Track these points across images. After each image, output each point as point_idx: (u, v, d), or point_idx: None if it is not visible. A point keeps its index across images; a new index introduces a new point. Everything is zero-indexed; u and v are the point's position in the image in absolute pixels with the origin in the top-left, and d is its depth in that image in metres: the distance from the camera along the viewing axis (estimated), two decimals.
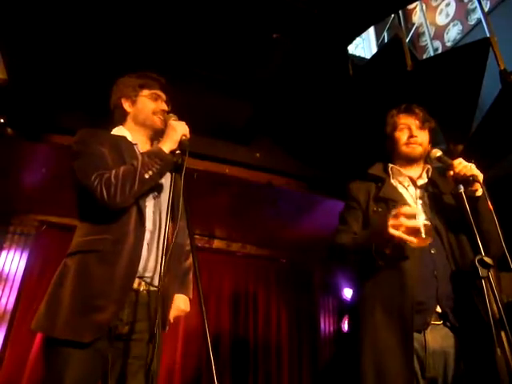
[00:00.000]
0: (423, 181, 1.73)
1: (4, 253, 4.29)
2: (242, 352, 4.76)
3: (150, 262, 1.53)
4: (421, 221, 1.35)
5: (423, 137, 1.76)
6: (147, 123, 1.73)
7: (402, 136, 1.77)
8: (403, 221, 1.36)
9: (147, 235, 1.54)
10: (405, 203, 1.55)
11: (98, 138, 1.62)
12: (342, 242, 1.62)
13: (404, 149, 1.75)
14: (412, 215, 1.36)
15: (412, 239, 1.35)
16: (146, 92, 1.75)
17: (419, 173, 1.75)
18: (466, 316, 1.45)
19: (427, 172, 1.74)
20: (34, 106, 3.14)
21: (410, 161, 1.76)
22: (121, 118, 1.76)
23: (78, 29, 2.75)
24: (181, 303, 1.74)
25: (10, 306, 4.15)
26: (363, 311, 1.54)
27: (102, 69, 2.93)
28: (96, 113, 3.30)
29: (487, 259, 1.35)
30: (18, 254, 4.34)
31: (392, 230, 1.36)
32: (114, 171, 1.50)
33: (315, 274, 5.41)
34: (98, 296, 1.41)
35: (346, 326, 5.08)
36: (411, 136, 1.74)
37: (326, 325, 5.25)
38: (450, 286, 1.48)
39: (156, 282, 1.50)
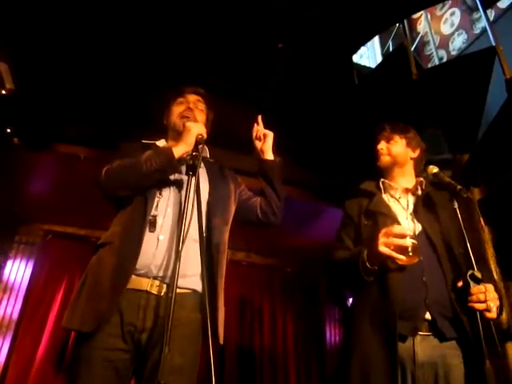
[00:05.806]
0: (417, 192, 1.73)
1: (10, 262, 4.31)
2: (248, 363, 4.72)
3: (159, 261, 1.40)
4: (408, 240, 1.39)
5: (392, 148, 1.80)
6: (176, 128, 1.70)
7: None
8: (393, 240, 1.40)
9: (159, 233, 1.44)
10: (393, 218, 1.57)
11: (130, 147, 1.65)
12: (337, 259, 1.67)
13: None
14: (401, 234, 1.41)
15: (402, 257, 1.39)
16: (175, 101, 1.78)
17: (412, 185, 1.76)
18: (458, 325, 1.43)
19: (421, 185, 1.74)
20: (40, 115, 3.16)
21: (389, 172, 1.79)
22: (166, 133, 1.77)
23: (84, 40, 2.79)
24: None
25: (16, 314, 4.16)
26: (352, 325, 1.57)
27: (108, 79, 2.95)
28: (101, 122, 3.36)
29: (477, 274, 1.37)
30: (23, 263, 4.36)
31: (383, 248, 1.41)
32: (122, 160, 1.49)
33: (320, 283, 5.37)
34: (100, 285, 1.35)
35: None
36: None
37: (332, 334, 5.19)
38: (442, 292, 1.47)
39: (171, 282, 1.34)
